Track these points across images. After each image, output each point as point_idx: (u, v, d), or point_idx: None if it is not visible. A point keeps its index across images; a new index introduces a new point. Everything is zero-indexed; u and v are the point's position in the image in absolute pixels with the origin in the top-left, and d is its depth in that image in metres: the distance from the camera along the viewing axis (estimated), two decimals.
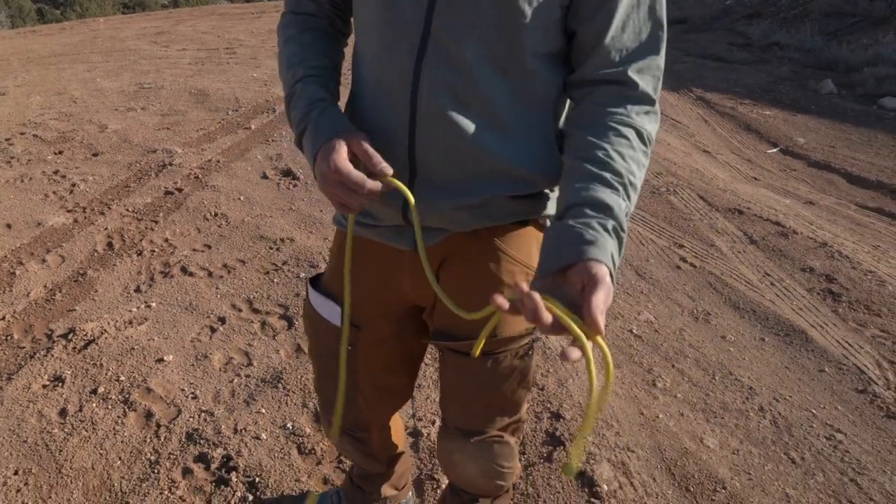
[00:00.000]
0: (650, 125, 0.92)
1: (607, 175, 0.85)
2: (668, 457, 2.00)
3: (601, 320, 0.69)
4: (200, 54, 7.91)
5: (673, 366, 2.43)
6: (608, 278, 0.74)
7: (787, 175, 4.78)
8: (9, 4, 22.12)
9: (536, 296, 0.69)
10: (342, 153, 0.89)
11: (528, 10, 0.88)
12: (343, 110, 1.02)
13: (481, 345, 0.87)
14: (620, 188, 0.84)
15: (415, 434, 2.04)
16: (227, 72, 6.85)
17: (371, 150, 0.90)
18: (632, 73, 0.91)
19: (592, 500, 1.83)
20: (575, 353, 0.66)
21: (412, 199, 0.92)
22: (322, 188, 0.91)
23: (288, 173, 4.12)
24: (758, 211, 3.81)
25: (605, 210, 0.82)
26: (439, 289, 0.94)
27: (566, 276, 0.78)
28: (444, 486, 1.82)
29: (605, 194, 0.84)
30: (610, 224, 0.81)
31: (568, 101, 1.03)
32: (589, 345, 0.68)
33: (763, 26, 10.39)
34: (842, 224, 3.79)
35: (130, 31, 10.27)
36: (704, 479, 1.93)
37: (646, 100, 0.92)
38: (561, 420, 2.10)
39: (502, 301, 0.69)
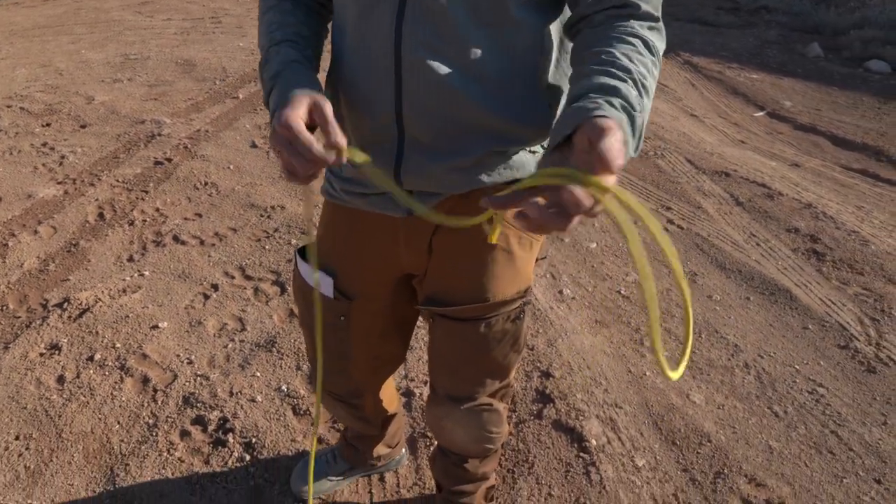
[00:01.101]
0: (657, 39, 0.85)
1: (613, 69, 0.77)
2: (654, 412, 2.06)
3: (613, 156, 0.62)
4: (186, 24, 7.79)
5: (660, 325, 2.47)
6: (618, 130, 0.65)
7: (774, 138, 4.81)
8: None
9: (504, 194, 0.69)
10: (299, 111, 0.80)
11: None
12: (323, 83, 0.97)
13: (496, 232, 0.89)
14: (628, 79, 0.76)
15: (407, 394, 2.09)
16: (213, 41, 6.76)
17: (330, 118, 0.81)
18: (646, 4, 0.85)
19: (581, 454, 1.89)
20: (584, 201, 0.61)
21: (369, 169, 0.85)
22: (272, 146, 0.82)
23: None
24: (744, 173, 3.84)
25: (612, 91, 0.74)
26: (442, 216, 0.91)
27: (573, 145, 0.69)
28: (435, 444, 1.88)
29: (610, 80, 0.75)
30: (617, 102, 0.72)
31: (564, 53, 0.99)
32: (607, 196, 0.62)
33: None
34: (826, 185, 3.83)
35: (114, 2, 10.08)
36: (690, 433, 1.99)
37: (648, 16, 0.86)
38: (551, 378, 2.15)
39: (486, 200, 0.69)
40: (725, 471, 1.85)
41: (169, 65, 5.83)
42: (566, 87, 1.00)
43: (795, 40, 7.65)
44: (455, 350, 1.17)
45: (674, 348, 2.35)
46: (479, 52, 0.90)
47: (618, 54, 0.78)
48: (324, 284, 1.17)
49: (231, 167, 3.72)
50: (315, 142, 0.79)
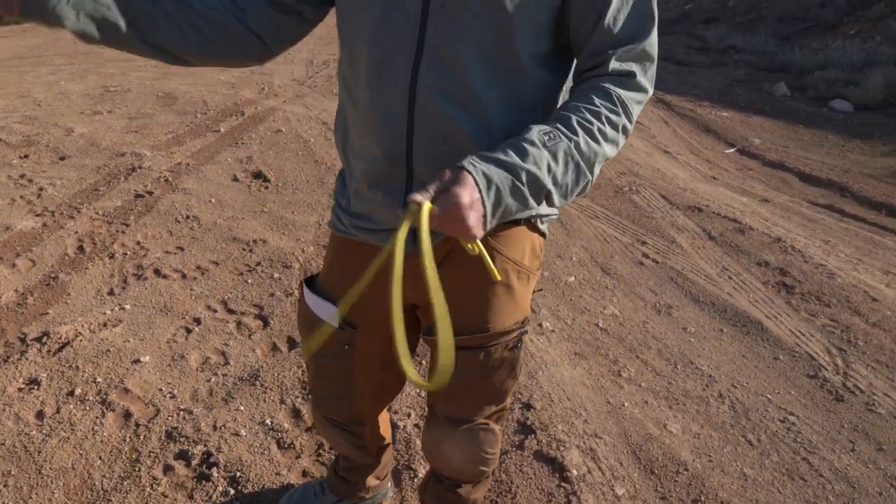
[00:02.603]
0: (633, 101, 0.95)
1: (557, 113, 0.90)
2: (633, 442, 2.11)
3: (419, 196, 0.79)
4: None
5: (637, 357, 2.54)
6: (460, 174, 0.81)
7: (744, 174, 4.97)
8: None
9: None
10: None
11: (522, 15, 0.92)
12: (334, 126, 1.06)
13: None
14: (561, 119, 0.90)
15: (393, 426, 2.11)
16: (193, 74, 6.82)
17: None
18: (628, 65, 0.94)
19: (563, 484, 1.92)
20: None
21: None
22: None
23: (259, 175, 4.15)
24: (716, 209, 3.97)
25: (525, 131, 0.88)
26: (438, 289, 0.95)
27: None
28: (420, 476, 1.90)
29: (543, 122, 0.89)
30: (521, 141, 0.86)
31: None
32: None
33: (720, 30, 10.70)
34: (795, 220, 3.97)
35: None
36: (668, 462, 2.03)
37: (639, 88, 0.95)
38: (532, 410, 2.19)
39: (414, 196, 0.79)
40: (702, 498, 1.90)
41: (150, 97, 5.86)
42: None
43: (763, 79, 7.95)
44: (456, 376, 1.20)
45: (651, 379, 2.40)
46: (489, 102, 0.96)
47: (571, 103, 0.91)
48: (328, 313, 1.21)
49: (213, 200, 3.74)
50: None
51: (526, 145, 0.86)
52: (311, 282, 1.27)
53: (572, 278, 3.10)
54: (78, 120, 5.15)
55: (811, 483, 1.98)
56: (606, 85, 0.93)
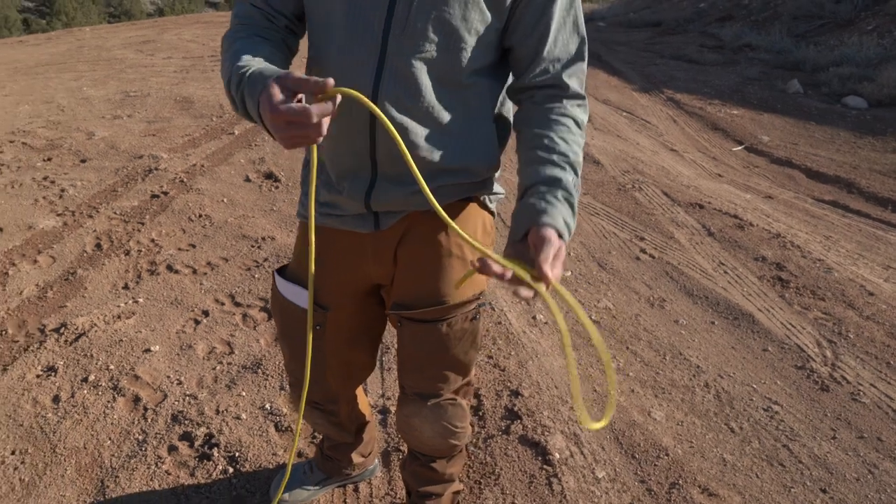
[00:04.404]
0: (582, 115, 1.13)
1: (555, 157, 1.05)
2: (616, 428, 2.18)
3: (547, 269, 0.86)
4: (185, 62, 8.05)
5: (627, 348, 2.61)
6: (555, 236, 0.91)
7: (750, 171, 4.99)
8: None
9: (492, 259, 0.87)
10: (276, 92, 0.86)
11: (471, 38, 1.07)
12: None
13: (463, 282, 1.11)
14: (567, 166, 1.04)
15: (384, 411, 2.21)
16: (211, 79, 7.00)
17: (302, 76, 0.87)
18: (565, 78, 1.12)
19: (545, 467, 2.01)
20: (524, 292, 0.85)
21: (375, 108, 0.90)
22: (277, 135, 0.89)
23: (270, 176, 4.28)
24: (718, 205, 4.01)
25: (555, 183, 1.01)
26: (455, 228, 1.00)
27: (526, 243, 0.95)
28: (406, 451, 1.99)
29: (554, 171, 1.03)
30: (560, 194, 1.00)
31: (506, 99, 1.22)
32: (545, 290, 0.86)
33: (735, 28, 10.66)
34: (797, 216, 3.99)
35: (116, 41, 10.38)
36: (649, 448, 2.10)
37: (576, 96, 1.13)
38: (519, 397, 2.28)
39: (476, 264, 0.88)
40: (680, 482, 1.97)
41: (168, 102, 6.04)
42: (510, 127, 1.25)
43: (776, 77, 7.91)
44: (421, 349, 1.32)
45: (639, 369, 2.48)
46: (440, 106, 1.10)
47: (556, 139, 1.06)
48: (299, 297, 1.31)
49: (225, 200, 3.88)
50: (307, 106, 0.84)
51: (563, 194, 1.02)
52: (282, 271, 1.38)
53: (568, 273, 3.17)
54: (99, 124, 5.34)
55: (789, 469, 2.04)
56: (569, 112, 1.11)
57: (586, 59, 1.15)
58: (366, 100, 0.89)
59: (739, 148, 5.51)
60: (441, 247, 1.23)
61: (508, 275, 0.87)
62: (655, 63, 8.77)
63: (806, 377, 2.47)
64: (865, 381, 2.45)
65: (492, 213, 1.32)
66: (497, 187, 1.29)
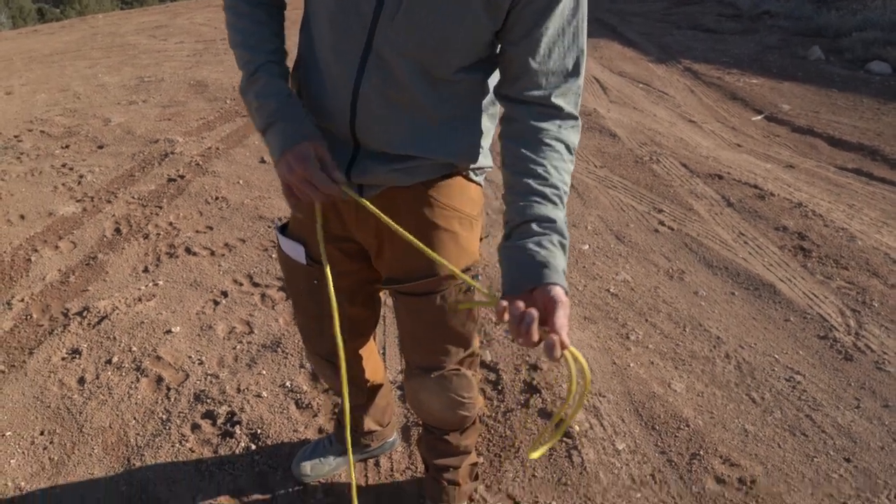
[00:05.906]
0: (574, 137, 1.06)
1: (547, 190, 1.00)
2: (636, 400, 2.18)
3: (565, 336, 0.85)
4: (198, 46, 8.05)
5: (646, 320, 2.59)
6: (564, 296, 0.90)
7: (771, 141, 4.90)
8: (9, 5, 22.29)
9: (534, 321, 0.84)
10: (313, 158, 1.02)
11: (462, 35, 1.01)
12: (292, 70, 1.17)
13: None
14: (558, 200, 1.00)
15: (403, 387, 2.22)
16: (224, 62, 7.00)
17: (331, 160, 1.04)
18: (556, 99, 1.04)
19: (565, 439, 2.01)
20: (553, 354, 0.85)
21: (365, 202, 1.07)
22: (286, 179, 1.04)
23: None
24: (737, 176, 3.95)
25: (550, 224, 0.98)
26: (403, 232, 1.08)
27: (531, 294, 0.92)
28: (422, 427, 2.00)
29: (547, 209, 0.99)
30: (556, 239, 0.96)
31: (493, 97, 1.16)
32: (560, 355, 0.85)
33: None
34: (819, 185, 3.92)
35: (129, 27, 10.41)
36: (669, 419, 2.10)
37: (569, 117, 1.06)
38: (538, 371, 2.28)
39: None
40: (701, 452, 1.96)
41: (182, 86, 6.06)
42: (493, 126, 1.22)
43: (797, 44, 7.73)
44: (418, 322, 1.32)
45: (658, 341, 2.46)
46: (425, 103, 1.07)
47: (549, 168, 1.02)
48: (297, 252, 1.33)
49: (240, 182, 3.89)
50: (326, 179, 1.02)
51: (558, 238, 0.98)
52: (284, 229, 1.39)
53: (586, 246, 3.15)
54: (115, 110, 5.37)
55: (812, 438, 2.02)
56: (562, 136, 1.04)
57: (583, 73, 1.06)
58: (365, 202, 1.06)
59: (759, 117, 5.41)
60: (425, 219, 1.21)
61: (536, 337, 0.86)
62: (672, 33, 8.59)
63: (829, 347, 2.44)
64: (891, 350, 2.41)
65: (478, 184, 1.28)
66: (483, 160, 1.23)
